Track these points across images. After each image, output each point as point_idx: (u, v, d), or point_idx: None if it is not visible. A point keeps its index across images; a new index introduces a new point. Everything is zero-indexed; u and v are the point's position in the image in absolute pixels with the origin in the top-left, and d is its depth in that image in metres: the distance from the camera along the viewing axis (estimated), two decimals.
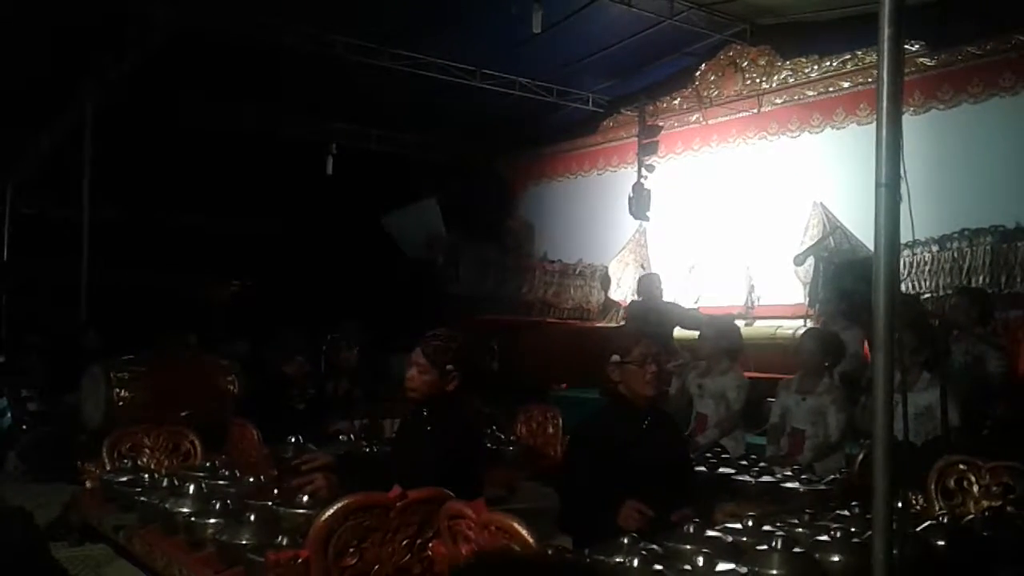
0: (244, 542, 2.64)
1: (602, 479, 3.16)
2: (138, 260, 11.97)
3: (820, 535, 2.61)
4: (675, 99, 12.15)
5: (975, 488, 3.18)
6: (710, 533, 2.63)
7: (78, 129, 10.46)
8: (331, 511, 2.30)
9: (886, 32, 2.32)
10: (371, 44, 10.94)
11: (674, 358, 6.37)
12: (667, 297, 8.70)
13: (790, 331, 8.41)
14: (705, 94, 11.73)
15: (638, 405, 3.34)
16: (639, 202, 11.38)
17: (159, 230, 12.55)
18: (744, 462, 4.52)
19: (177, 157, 12.08)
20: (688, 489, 3.33)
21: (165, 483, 3.43)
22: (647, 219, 11.66)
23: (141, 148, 11.71)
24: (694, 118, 11.93)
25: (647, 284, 8.81)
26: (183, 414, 4.77)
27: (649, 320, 7.67)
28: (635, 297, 9.43)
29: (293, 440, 4.60)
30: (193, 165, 12.22)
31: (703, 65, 11.76)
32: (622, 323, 10.07)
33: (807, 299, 8.91)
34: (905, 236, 2.40)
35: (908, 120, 8.82)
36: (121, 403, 5.02)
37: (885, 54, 2.32)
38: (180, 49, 9.64)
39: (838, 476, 4.01)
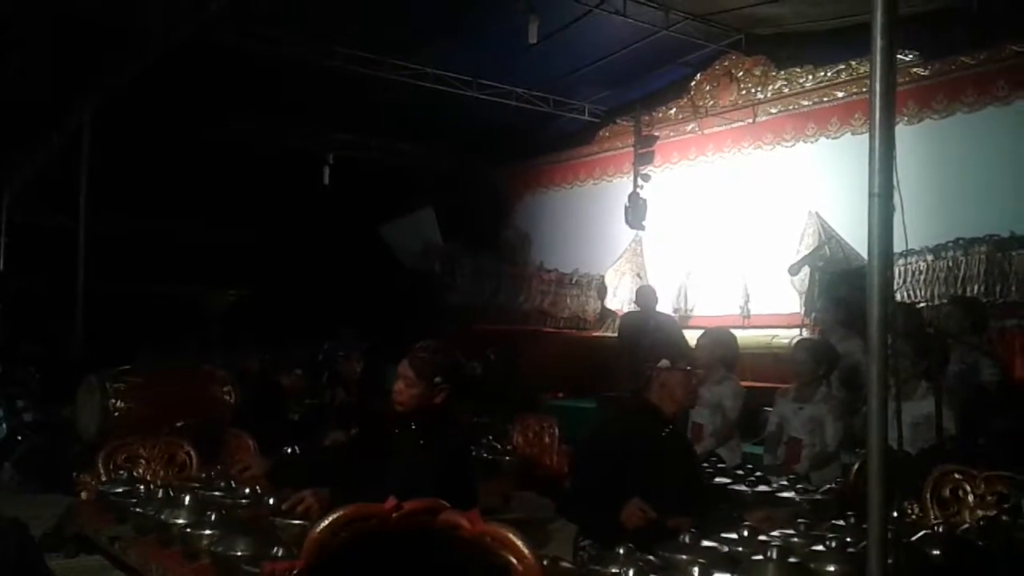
0: (240, 553, 2.63)
1: (619, 480, 3.19)
2: (134, 270, 11.96)
3: (816, 545, 2.61)
4: (671, 109, 12.20)
5: (970, 497, 3.19)
6: (706, 543, 2.63)
7: (75, 138, 10.46)
8: (327, 522, 2.30)
9: (879, 43, 2.33)
10: (369, 54, 10.97)
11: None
12: (662, 307, 8.74)
13: (786, 340, 8.42)
14: (700, 104, 11.78)
15: (665, 412, 3.37)
16: (635, 212, 11.40)
17: (156, 240, 12.55)
18: (740, 471, 4.52)
19: (174, 166, 12.09)
20: (700, 497, 3.36)
21: (161, 494, 3.41)
22: (643, 228, 11.68)
23: (138, 157, 11.72)
24: (690, 128, 11.97)
25: (644, 295, 8.82)
26: (179, 425, 4.76)
27: (644, 331, 7.69)
28: (632, 307, 9.45)
29: (289, 451, 4.60)
30: (190, 174, 12.23)
31: (698, 75, 11.81)
32: (616, 333, 10.07)
33: (803, 308, 8.93)
34: (899, 246, 2.40)
35: (903, 129, 8.91)
36: (117, 414, 5.01)
37: (877, 65, 2.33)
38: (178, 59, 9.65)
39: (834, 485, 4.01)
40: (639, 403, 3.45)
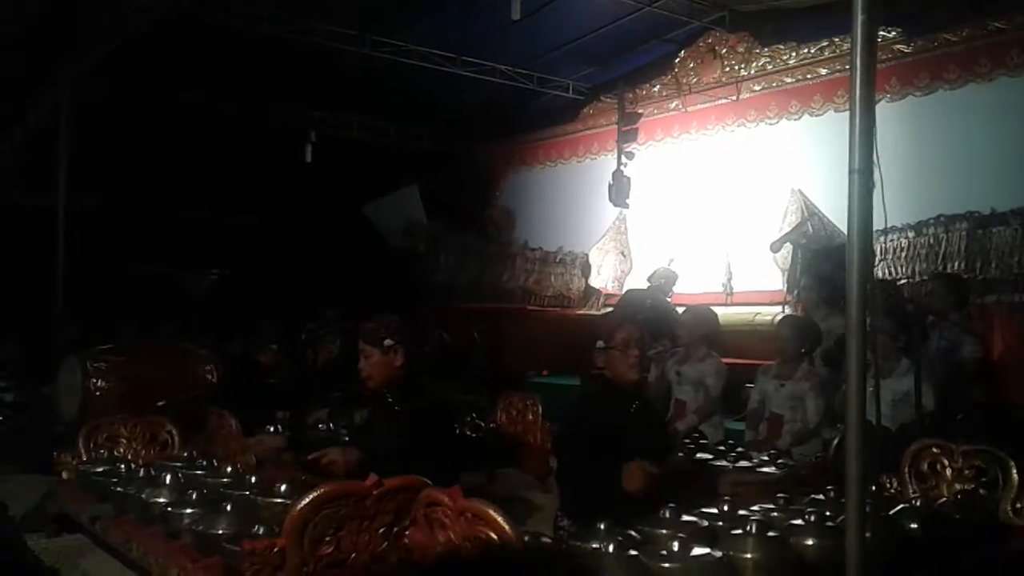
0: (220, 532, 2.63)
1: (595, 462, 3.21)
2: (115, 249, 11.86)
3: (795, 519, 2.63)
4: (654, 86, 12.17)
5: (948, 472, 3.21)
6: (685, 517, 2.64)
7: (54, 116, 10.33)
8: (307, 500, 2.29)
9: (860, 18, 2.32)
10: (351, 31, 10.87)
11: (657, 345, 6.40)
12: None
13: (768, 317, 8.46)
14: (684, 81, 11.75)
15: (625, 390, 3.38)
16: (619, 189, 11.39)
17: (136, 219, 12.43)
18: (722, 447, 4.55)
19: (154, 144, 11.97)
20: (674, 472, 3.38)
21: (142, 473, 3.41)
22: (627, 206, 11.68)
23: (118, 136, 11.60)
24: (673, 105, 11.95)
25: (661, 277, 8.76)
26: (160, 404, 4.73)
27: (643, 308, 7.68)
28: (646, 283, 9.35)
29: (272, 430, 4.60)
30: (170, 152, 12.11)
31: (682, 52, 11.78)
32: (608, 309, 10.08)
33: (785, 285, 8.97)
34: (879, 222, 2.40)
35: (885, 106, 8.90)
36: (98, 393, 4.99)
37: (858, 40, 2.33)
38: (158, 36, 9.54)
39: (814, 461, 4.04)
40: (599, 386, 3.50)
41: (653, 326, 4.65)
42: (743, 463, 4.10)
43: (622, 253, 12.16)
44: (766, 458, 4.20)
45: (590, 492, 3.17)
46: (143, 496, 3.08)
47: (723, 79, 11.31)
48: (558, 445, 3.72)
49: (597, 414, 3.46)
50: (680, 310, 7.97)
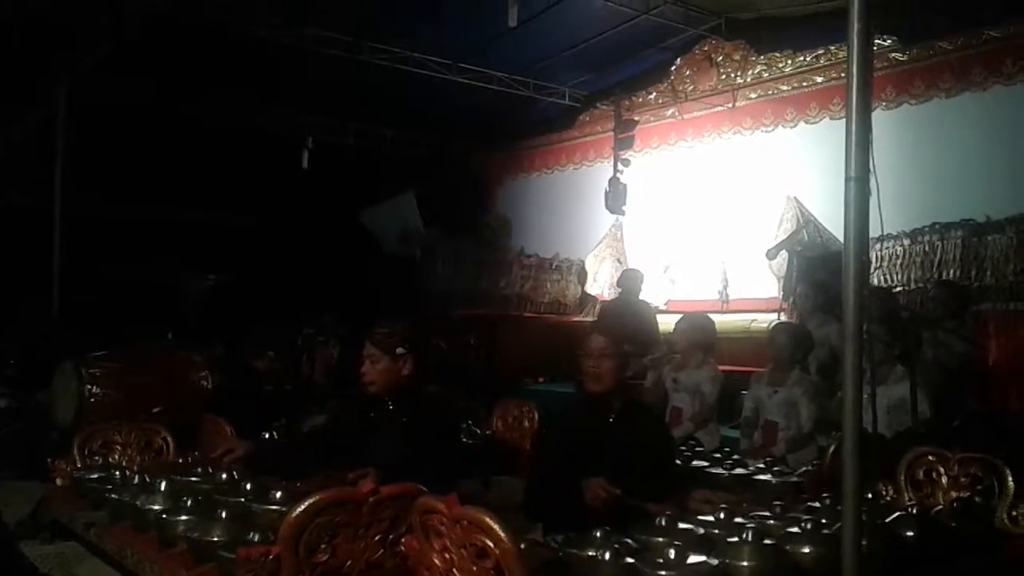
0: (216, 539, 2.61)
1: (568, 468, 3.20)
2: (112, 253, 11.84)
3: (791, 527, 2.62)
4: (651, 94, 12.20)
5: (944, 479, 3.21)
6: (682, 525, 2.64)
7: (50, 118, 10.32)
8: (302, 507, 2.29)
9: (855, 27, 2.33)
10: (347, 38, 10.89)
11: (649, 352, 6.39)
12: (644, 292, 8.74)
13: (764, 325, 8.46)
14: (680, 89, 11.78)
15: (602, 399, 3.37)
16: (615, 196, 11.41)
17: (133, 222, 12.42)
18: (718, 455, 4.55)
19: (151, 148, 11.97)
20: (664, 480, 3.35)
21: (136, 480, 3.39)
22: (623, 213, 11.70)
23: (114, 139, 11.59)
24: (669, 113, 11.98)
25: (627, 279, 8.82)
26: (156, 410, 4.72)
27: (620, 316, 7.69)
28: (616, 291, 9.40)
29: (267, 436, 4.58)
30: (168, 157, 12.11)
31: (678, 60, 11.81)
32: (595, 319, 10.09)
33: (781, 293, 8.98)
34: (875, 230, 2.41)
35: (880, 114, 8.93)
36: (93, 400, 4.95)
37: (854, 48, 2.33)
38: (154, 39, 9.54)
39: (810, 468, 4.04)
40: (581, 393, 3.50)
41: (630, 334, 4.63)
42: (738, 470, 4.09)
43: (618, 260, 12.17)
44: (761, 465, 4.20)
45: (555, 499, 3.16)
46: (138, 503, 3.06)
47: (719, 87, 11.34)
48: (534, 450, 3.72)
49: (572, 422, 3.46)
50: (663, 317, 8.05)
